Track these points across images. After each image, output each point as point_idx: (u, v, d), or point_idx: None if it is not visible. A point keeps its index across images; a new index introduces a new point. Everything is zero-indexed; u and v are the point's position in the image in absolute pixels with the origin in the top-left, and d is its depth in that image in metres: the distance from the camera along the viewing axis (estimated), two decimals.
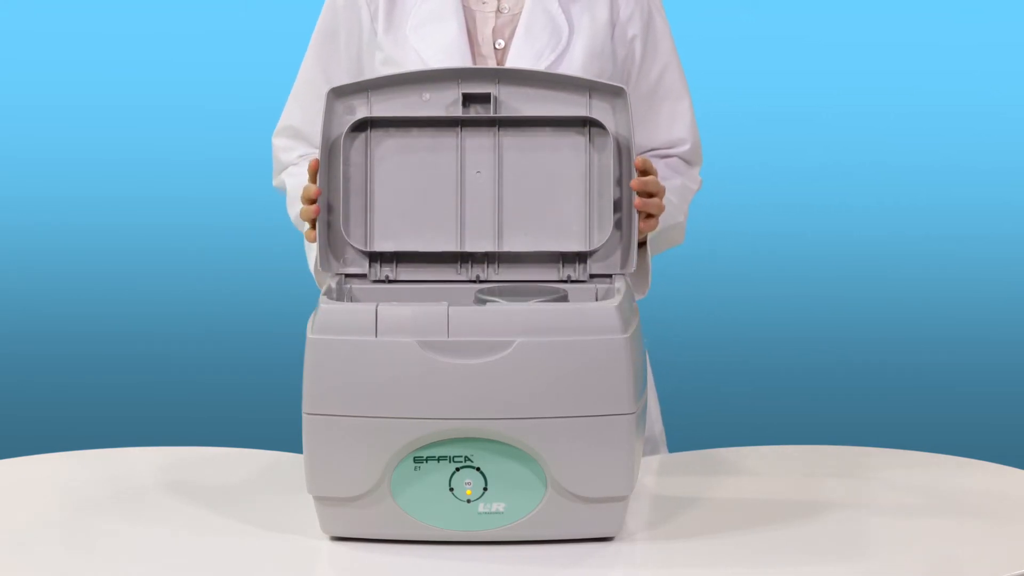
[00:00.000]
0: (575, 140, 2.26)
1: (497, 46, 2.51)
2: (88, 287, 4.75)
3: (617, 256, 2.28)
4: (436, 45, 2.50)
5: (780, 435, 2.70)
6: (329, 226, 2.27)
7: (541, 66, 2.48)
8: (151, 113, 4.83)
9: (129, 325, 4.68)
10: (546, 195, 2.28)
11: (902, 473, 2.39)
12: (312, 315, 2.06)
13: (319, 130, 2.28)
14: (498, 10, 2.53)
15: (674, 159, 2.62)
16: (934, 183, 4.73)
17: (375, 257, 2.27)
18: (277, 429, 2.53)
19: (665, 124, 2.60)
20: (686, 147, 2.61)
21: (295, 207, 2.53)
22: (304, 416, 2.04)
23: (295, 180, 2.57)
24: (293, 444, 2.17)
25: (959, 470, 2.42)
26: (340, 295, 2.21)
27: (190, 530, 2.15)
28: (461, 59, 2.49)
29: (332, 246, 2.28)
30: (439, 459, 2.05)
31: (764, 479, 2.37)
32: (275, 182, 2.68)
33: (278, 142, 2.64)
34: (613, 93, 2.24)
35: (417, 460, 2.05)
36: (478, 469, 2.05)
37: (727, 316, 4.55)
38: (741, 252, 4.57)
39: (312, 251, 2.48)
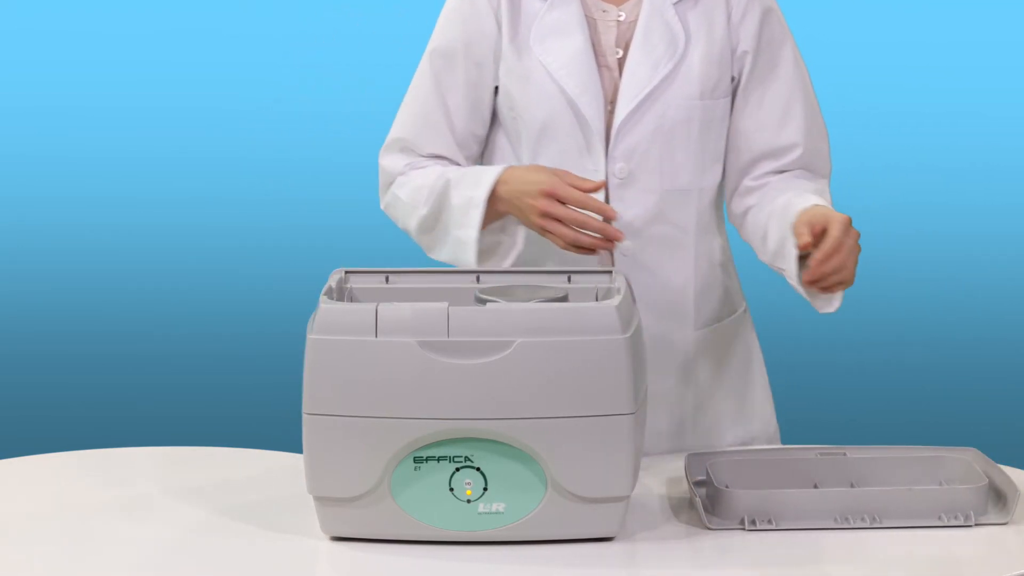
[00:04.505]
0: None
1: (616, 55, 2.46)
2: (88, 287, 4.75)
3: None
4: (562, 58, 2.44)
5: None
6: None
7: (658, 77, 2.43)
8: (150, 113, 4.83)
9: (129, 325, 4.68)
10: None
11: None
12: (312, 315, 2.06)
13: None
14: (617, 18, 2.47)
15: (796, 173, 2.50)
16: (933, 182, 4.73)
17: None
18: (277, 429, 2.53)
19: (774, 126, 2.49)
20: (797, 153, 2.49)
21: (417, 212, 2.46)
22: (304, 416, 2.04)
23: (409, 187, 2.49)
24: (293, 444, 2.17)
25: None
26: (340, 295, 2.20)
27: (190, 530, 2.15)
28: (587, 71, 2.43)
29: None
30: (439, 459, 2.05)
31: None
32: (384, 201, 2.56)
33: (387, 159, 2.54)
34: None
35: (417, 460, 2.05)
36: (478, 469, 2.05)
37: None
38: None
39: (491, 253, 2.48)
